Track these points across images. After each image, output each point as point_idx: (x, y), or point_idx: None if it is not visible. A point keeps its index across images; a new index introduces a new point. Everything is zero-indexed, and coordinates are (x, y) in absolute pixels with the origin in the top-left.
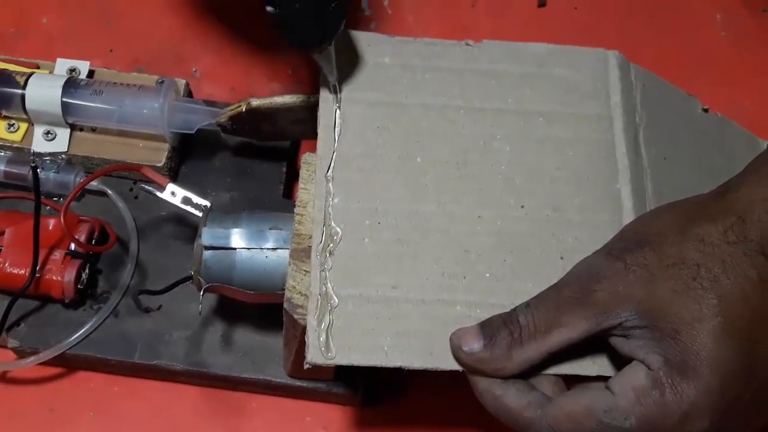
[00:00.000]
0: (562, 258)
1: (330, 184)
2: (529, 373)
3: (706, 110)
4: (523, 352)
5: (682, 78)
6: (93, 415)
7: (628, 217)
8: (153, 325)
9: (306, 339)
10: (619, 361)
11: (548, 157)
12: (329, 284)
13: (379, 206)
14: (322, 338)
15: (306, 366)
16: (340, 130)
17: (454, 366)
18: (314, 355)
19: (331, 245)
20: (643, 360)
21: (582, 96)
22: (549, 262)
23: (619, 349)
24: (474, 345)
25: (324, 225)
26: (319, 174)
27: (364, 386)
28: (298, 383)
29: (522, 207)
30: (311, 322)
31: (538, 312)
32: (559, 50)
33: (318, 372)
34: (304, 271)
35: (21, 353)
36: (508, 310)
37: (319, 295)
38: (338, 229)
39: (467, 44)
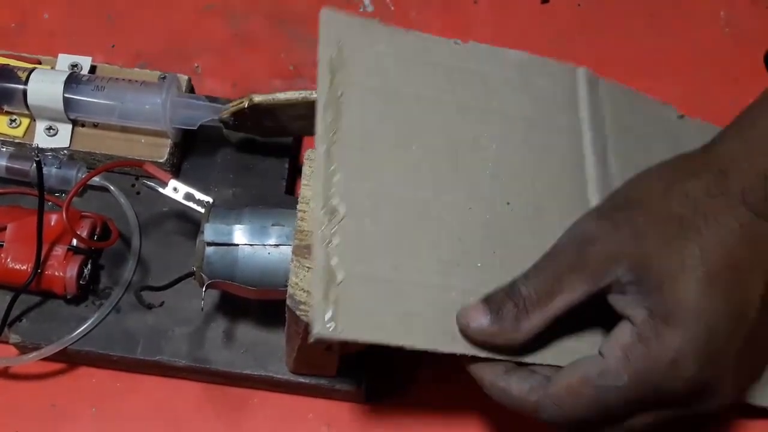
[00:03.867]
0: None
1: (332, 160)
2: (536, 346)
3: (681, 117)
4: (529, 321)
5: (685, 75)
6: (95, 411)
7: None
8: (155, 321)
9: (311, 313)
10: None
11: (529, 161)
12: (334, 259)
13: (378, 188)
14: (328, 314)
15: (311, 340)
16: (340, 109)
17: (453, 349)
18: (320, 330)
19: (334, 221)
20: (629, 316)
21: (556, 107)
22: (532, 259)
23: (615, 307)
24: (482, 320)
25: (326, 199)
26: (319, 148)
27: (367, 382)
28: (301, 379)
29: (508, 204)
30: (317, 296)
31: (538, 281)
32: (536, 60)
33: (320, 368)
34: (307, 267)
35: (23, 349)
36: None
37: (324, 269)
38: (341, 206)
39: (456, 43)
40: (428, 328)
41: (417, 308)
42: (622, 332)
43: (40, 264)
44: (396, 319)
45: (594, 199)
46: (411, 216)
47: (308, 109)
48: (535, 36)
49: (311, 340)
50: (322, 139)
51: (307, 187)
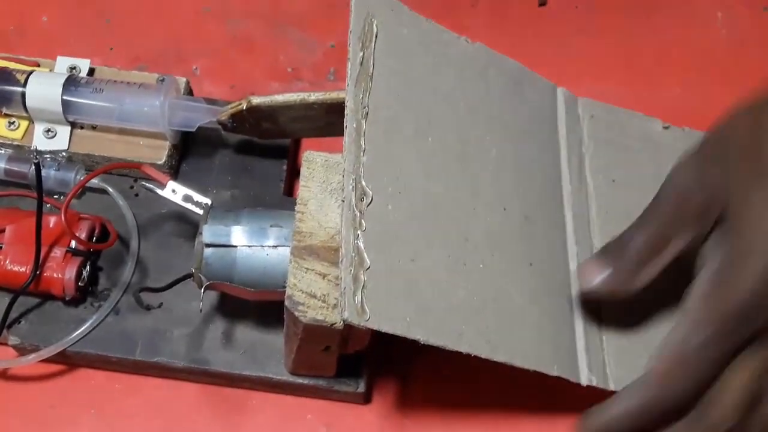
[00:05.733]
0: (531, 264)
1: (362, 138)
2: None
3: (666, 128)
4: (645, 271)
5: (682, 77)
6: (94, 413)
7: (571, 241)
8: (154, 322)
9: (341, 296)
10: None
11: (521, 170)
12: (362, 242)
13: (399, 176)
14: (358, 298)
15: (340, 324)
16: (368, 86)
17: (460, 348)
18: (351, 315)
19: (364, 203)
20: (708, 261)
21: (541, 121)
22: (522, 265)
23: (700, 255)
24: (604, 274)
25: (357, 179)
26: (350, 123)
27: (366, 383)
28: (300, 380)
29: (504, 209)
30: (346, 280)
31: (649, 233)
32: (527, 73)
33: (319, 369)
34: (305, 268)
35: (22, 350)
36: (496, 303)
37: (354, 253)
38: (368, 190)
39: (467, 41)
40: (438, 323)
41: (429, 303)
42: (701, 279)
43: (38, 266)
44: (413, 311)
45: (568, 215)
46: (425, 209)
47: (306, 110)
48: (533, 38)
49: (340, 325)
50: (354, 115)
51: (305, 189)
